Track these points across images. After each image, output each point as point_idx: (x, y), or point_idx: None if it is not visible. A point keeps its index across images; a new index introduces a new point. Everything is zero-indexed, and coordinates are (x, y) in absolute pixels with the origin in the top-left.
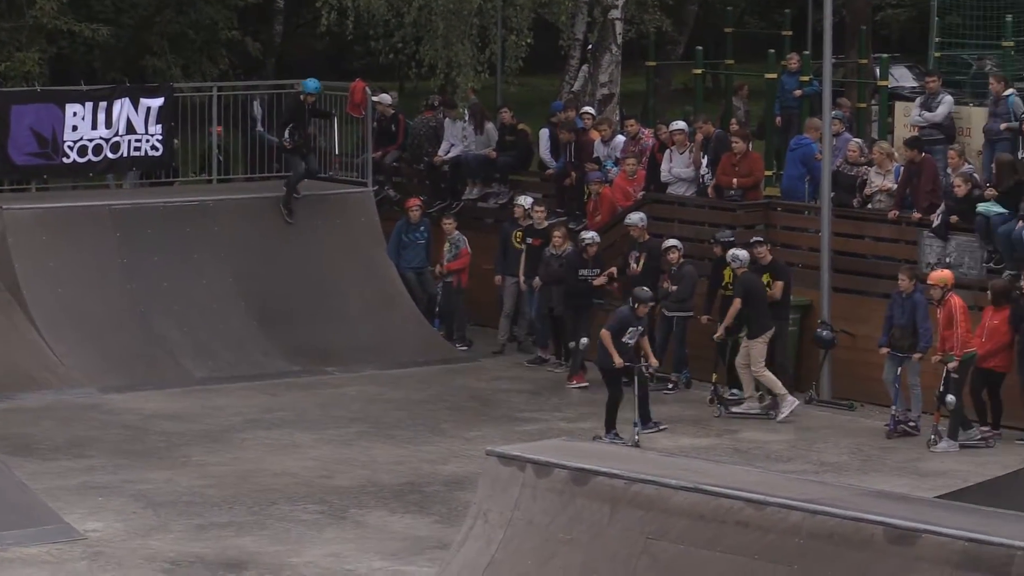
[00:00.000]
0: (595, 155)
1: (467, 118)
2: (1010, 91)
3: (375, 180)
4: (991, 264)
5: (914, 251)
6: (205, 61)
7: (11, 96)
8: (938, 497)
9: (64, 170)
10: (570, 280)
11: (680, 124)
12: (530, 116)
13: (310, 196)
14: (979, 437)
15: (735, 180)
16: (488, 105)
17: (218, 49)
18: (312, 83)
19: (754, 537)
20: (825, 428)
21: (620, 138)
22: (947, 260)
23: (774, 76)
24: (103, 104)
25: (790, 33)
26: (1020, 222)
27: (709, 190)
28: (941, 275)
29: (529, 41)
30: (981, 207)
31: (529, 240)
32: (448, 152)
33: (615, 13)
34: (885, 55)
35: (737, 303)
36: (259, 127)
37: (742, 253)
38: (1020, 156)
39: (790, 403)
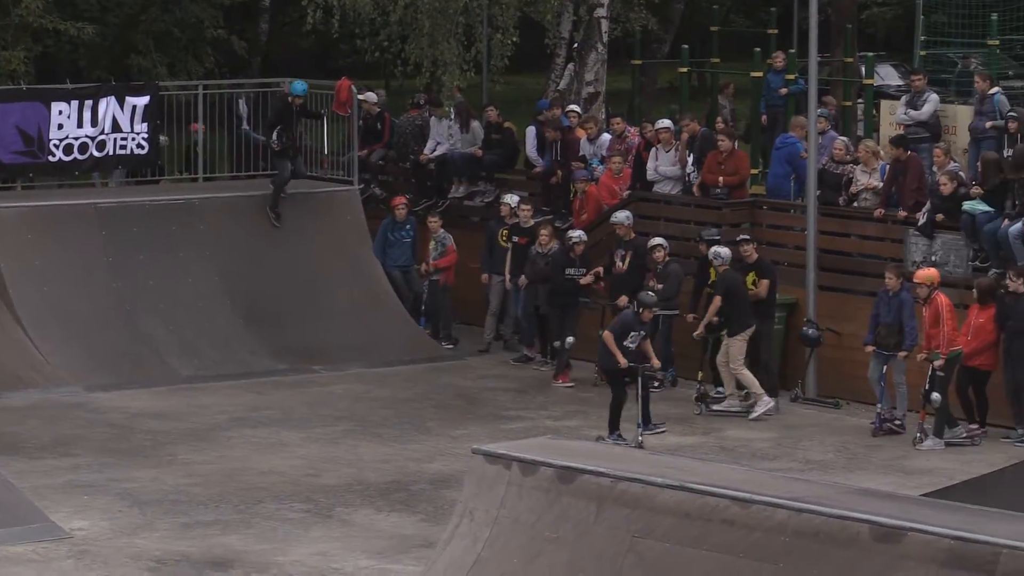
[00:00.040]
0: (581, 153)
1: (453, 116)
2: (996, 89)
3: (361, 178)
4: (977, 262)
5: (900, 249)
6: (191, 60)
7: None
8: (924, 495)
9: (50, 168)
10: (556, 279)
11: (666, 122)
12: (516, 114)
13: (296, 194)
14: (965, 435)
15: (721, 178)
16: (474, 103)
17: (204, 48)
18: (299, 85)
19: (740, 535)
20: (811, 426)
21: (606, 136)
22: (933, 258)
23: (760, 74)
24: (89, 102)
25: (776, 31)
26: (1006, 220)
27: (694, 188)
28: (927, 273)
29: (515, 39)
30: (967, 205)
31: (515, 239)
32: (434, 150)
33: (601, 11)
34: (871, 53)
35: (717, 300)
36: (245, 125)
37: (724, 251)
38: (1006, 154)
39: (765, 403)
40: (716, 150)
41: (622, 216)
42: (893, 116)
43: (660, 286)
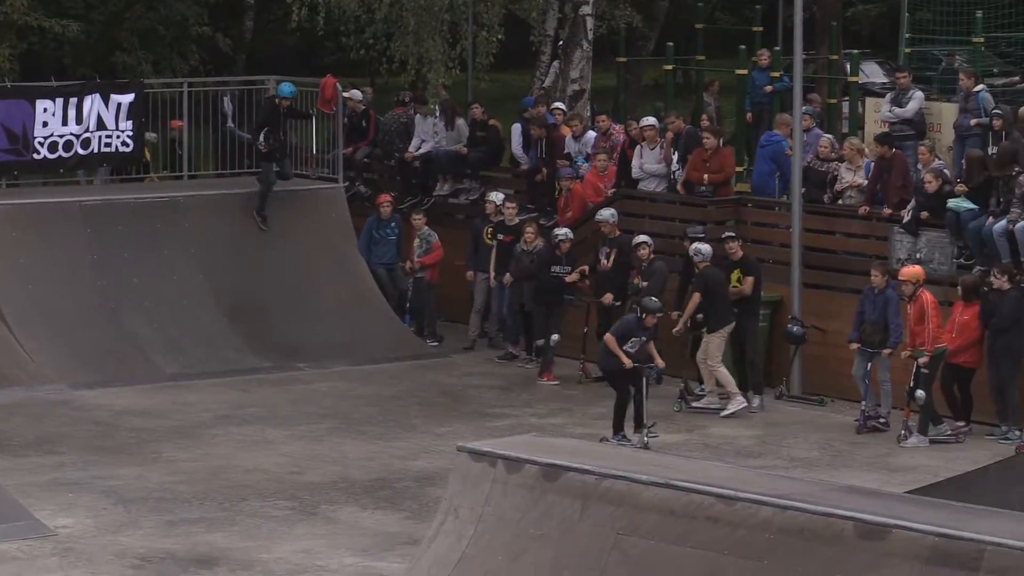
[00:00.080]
0: (566, 151)
1: (438, 114)
2: (980, 87)
3: (346, 176)
4: (961, 260)
5: (885, 247)
6: (175, 57)
7: None
8: (908, 492)
9: (34, 166)
10: (542, 276)
11: (651, 120)
12: (501, 112)
13: (281, 192)
14: (949, 432)
15: (706, 176)
16: (459, 101)
17: (188, 45)
18: (287, 87)
19: (724, 533)
20: (795, 423)
21: (591, 134)
22: (917, 256)
23: (745, 72)
24: (73, 100)
25: (761, 29)
26: (990, 218)
27: (678, 186)
28: (913, 271)
29: (500, 37)
30: (951, 203)
31: (500, 236)
32: (419, 148)
33: (586, 9)
34: (855, 51)
35: (696, 297)
36: (230, 123)
37: (704, 247)
38: (990, 152)
39: (738, 402)
40: (701, 148)
41: (607, 214)
42: (878, 114)
43: (645, 283)
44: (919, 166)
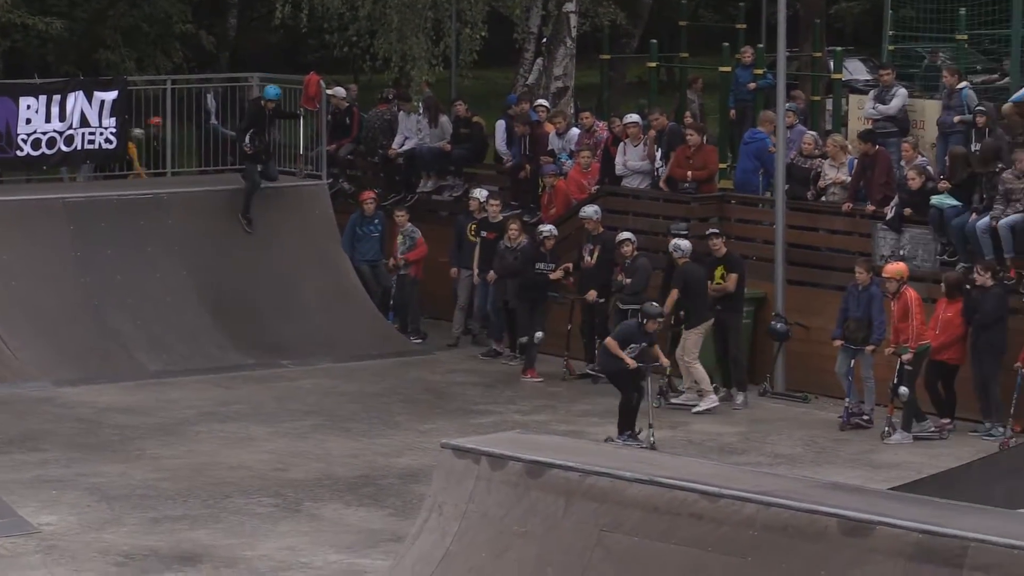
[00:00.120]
0: (550, 148)
1: (421, 111)
2: (964, 84)
3: (330, 173)
4: (945, 256)
5: (868, 244)
6: (159, 54)
7: None
8: (892, 489)
9: (18, 163)
10: (527, 273)
11: (634, 117)
12: (484, 109)
13: (265, 190)
14: (933, 429)
15: (689, 173)
16: (442, 98)
17: (172, 42)
18: (272, 90)
19: (708, 529)
20: (779, 420)
21: (574, 131)
22: (901, 253)
23: (728, 69)
24: (57, 97)
25: (744, 26)
26: (973, 215)
27: (661, 183)
28: (896, 268)
29: (483, 34)
30: (935, 200)
31: (484, 233)
32: (402, 145)
33: (569, 6)
34: (839, 48)
35: (674, 293)
36: (213, 120)
37: (684, 243)
38: (973, 149)
39: (711, 400)
40: (684, 145)
41: (590, 210)
42: (861, 111)
43: (628, 280)
44: (902, 163)
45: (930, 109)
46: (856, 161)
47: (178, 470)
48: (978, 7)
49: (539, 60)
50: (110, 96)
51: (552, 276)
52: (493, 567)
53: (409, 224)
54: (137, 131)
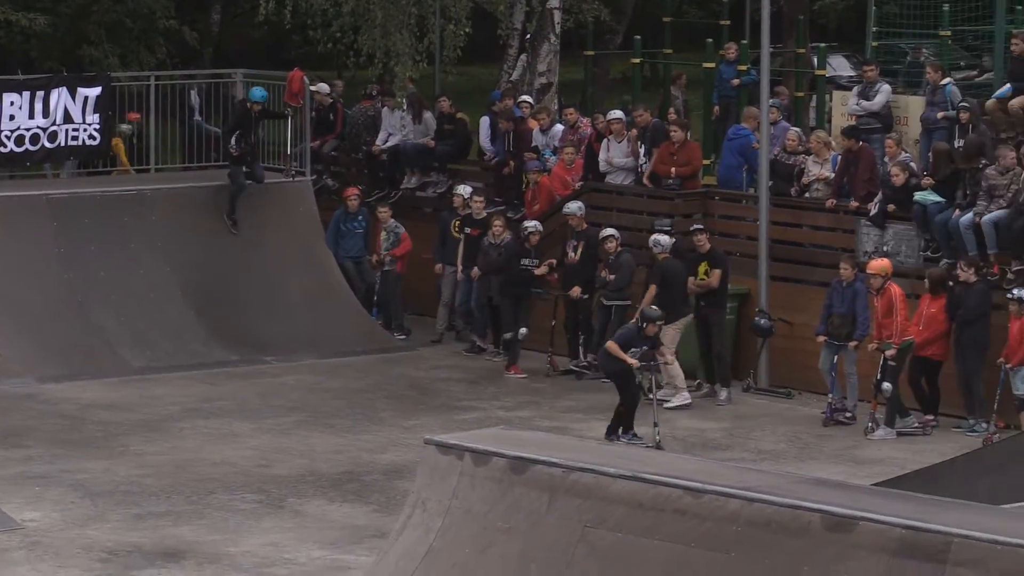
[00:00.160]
0: (533, 144)
1: (405, 107)
2: (947, 80)
3: (313, 169)
4: (928, 252)
5: (852, 240)
6: (142, 50)
7: None
8: (875, 485)
9: (1, 160)
10: (511, 269)
11: (618, 113)
12: (468, 105)
13: (249, 186)
14: (916, 425)
15: (673, 169)
16: (426, 94)
17: (155, 38)
18: (258, 92)
19: (692, 525)
20: (763, 416)
21: (558, 127)
22: (884, 249)
23: (712, 65)
24: (40, 93)
25: (728, 22)
26: (956, 211)
27: (645, 179)
28: (881, 264)
29: (467, 30)
30: (918, 196)
31: (468, 230)
32: (386, 141)
33: (553, 2)
34: (823, 44)
35: (652, 288)
36: (197, 117)
37: (664, 238)
38: (957, 145)
39: (683, 398)
40: (668, 141)
41: (574, 207)
42: (845, 107)
43: (612, 276)
44: (886, 159)
45: (914, 105)
46: (840, 157)
47: (162, 466)
48: (961, 3)
49: (523, 56)
50: (94, 92)
51: (536, 272)
52: (477, 563)
53: (393, 220)
54: (124, 126)
